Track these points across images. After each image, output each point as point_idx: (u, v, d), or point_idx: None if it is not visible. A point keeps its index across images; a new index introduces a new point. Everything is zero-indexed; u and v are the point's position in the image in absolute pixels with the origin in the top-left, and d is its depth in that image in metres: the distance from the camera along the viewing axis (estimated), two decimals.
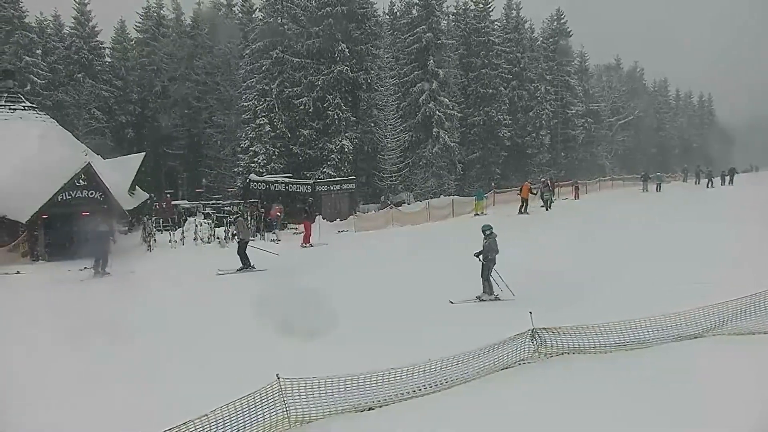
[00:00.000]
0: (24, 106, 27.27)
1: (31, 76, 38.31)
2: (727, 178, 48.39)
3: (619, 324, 9.76)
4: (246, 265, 19.59)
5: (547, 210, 33.44)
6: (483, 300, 14.54)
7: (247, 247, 20.05)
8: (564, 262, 16.87)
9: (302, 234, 26.27)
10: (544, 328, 9.61)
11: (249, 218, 26.47)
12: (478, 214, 33.46)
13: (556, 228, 26.09)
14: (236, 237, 20.68)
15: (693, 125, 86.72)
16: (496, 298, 14.50)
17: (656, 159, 70.24)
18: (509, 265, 14.58)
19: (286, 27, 38.72)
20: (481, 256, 14.62)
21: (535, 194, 34.11)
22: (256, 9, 47.55)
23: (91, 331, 11.73)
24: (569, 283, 13.93)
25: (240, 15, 50.39)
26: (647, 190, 44.49)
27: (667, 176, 54.01)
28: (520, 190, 33.69)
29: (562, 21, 58.72)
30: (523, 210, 32.29)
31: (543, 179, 39.82)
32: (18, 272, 20.95)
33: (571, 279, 14.43)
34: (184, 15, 49.70)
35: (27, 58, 38.70)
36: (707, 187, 45.26)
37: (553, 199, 35.16)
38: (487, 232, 14.78)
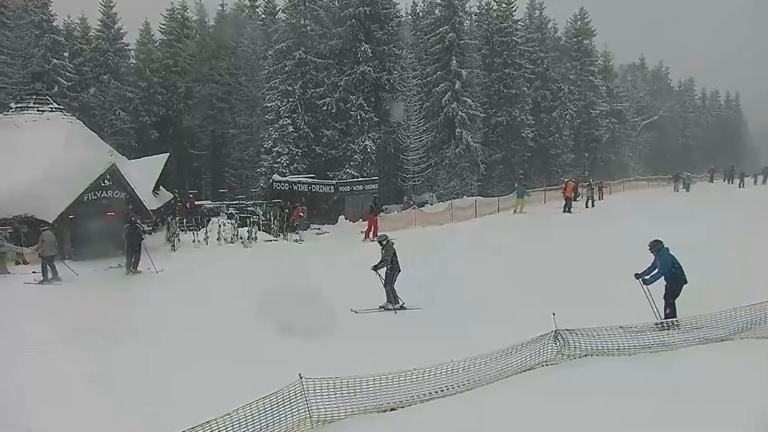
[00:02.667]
0: (51, 108, 27.62)
1: (59, 78, 38.92)
2: (760, 178, 47.64)
3: (644, 325, 9.66)
4: (45, 278, 19.14)
5: (593, 207, 34.41)
6: (388, 309, 14.45)
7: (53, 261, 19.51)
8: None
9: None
10: (567, 329, 9.52)
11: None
12: (522, 212, 33.39)
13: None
14: (40, 253, 19.56)
15: (719, 125, 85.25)
16: (401, 307, 14.42)
17: (681, 159, 69.19)
18: (527, 263, 14.38)
19: (308, 28, 38.81)
20: (378, 269, 14.68)
21: (579, 193, 34.25)
22: (278, 10, 47.92)
23: (122, 329, 11.90)
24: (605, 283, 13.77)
25: (263, 16, 50.71)
26: (677, 190, 44.33)
27: (695, 176, 53.32)
28: (564, 188, 34.00)
29: (586, 20, 58.08)
30: (567, 209, 32.53)
31: (565, 179, 39.54)
32: None
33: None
34: (207, 16, 50.11)
35: (55, 60, 39.28)
36: (739, 187, 44.65)
37: (595, 197, 35.91)
38: (384, 242, 14.87)
